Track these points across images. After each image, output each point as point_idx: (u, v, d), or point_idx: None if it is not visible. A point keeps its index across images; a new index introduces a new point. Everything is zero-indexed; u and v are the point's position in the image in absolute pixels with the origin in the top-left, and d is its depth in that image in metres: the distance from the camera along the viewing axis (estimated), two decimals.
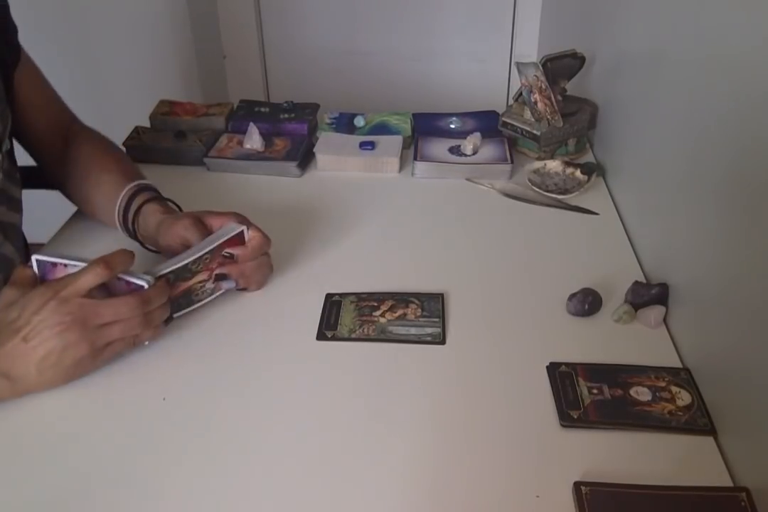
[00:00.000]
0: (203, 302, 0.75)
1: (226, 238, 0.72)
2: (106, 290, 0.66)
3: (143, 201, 0.81)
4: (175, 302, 0.71)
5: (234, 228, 0.73)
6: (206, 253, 0.71)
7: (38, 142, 0.89)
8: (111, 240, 0.83)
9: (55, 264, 0.66)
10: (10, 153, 0.83)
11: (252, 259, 0.75)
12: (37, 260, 0.67)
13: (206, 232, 0.74)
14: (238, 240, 0.74)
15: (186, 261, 0.69)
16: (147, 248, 0.82)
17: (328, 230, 0.91)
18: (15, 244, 0.83)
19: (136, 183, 0.83)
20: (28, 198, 0.88)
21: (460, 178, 1.03)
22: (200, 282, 0.73)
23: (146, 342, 0.68)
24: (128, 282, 0.66)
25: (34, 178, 0.91)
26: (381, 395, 0.65)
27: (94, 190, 0.86)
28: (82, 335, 0.62)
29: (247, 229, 0.74)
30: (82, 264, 0.64)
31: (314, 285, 0.79)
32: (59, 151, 0.90)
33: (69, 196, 0.92)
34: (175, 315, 0.72)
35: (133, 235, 0.83)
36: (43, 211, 1.09)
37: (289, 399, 0.65)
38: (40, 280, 0.66)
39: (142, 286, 0.66)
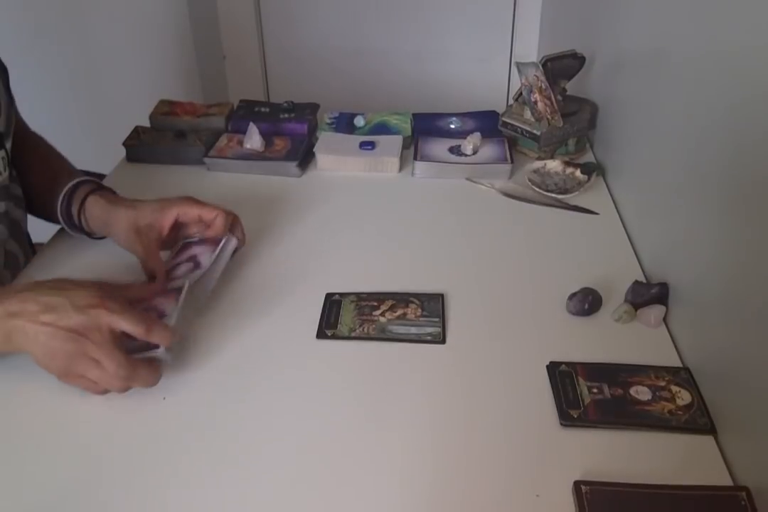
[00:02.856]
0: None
1: (225, 263, 0.78)
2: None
3: (91, 189, 0.82)
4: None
5: (230, 245, 0.78)
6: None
7: None
8: (110, 241, 0.82)
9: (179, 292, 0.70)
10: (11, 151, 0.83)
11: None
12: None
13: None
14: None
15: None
16: (93, 237, 0.84)
17: (328, 230, 0.91)
18: (19, 241, 0.83)
19: (81, 178, 0.83)
20: None
21: (460, 177, 1.03)
22: None
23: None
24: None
25: None
26: (381, 393, 0.65)
27: (40, 191, 0.86)
28: (73, 350, 0.59)
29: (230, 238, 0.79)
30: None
31: (314, 284, 0.79)
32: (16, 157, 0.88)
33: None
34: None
35: (74, 222, 0.82)
36: None
37: (289, 396, 0.65)
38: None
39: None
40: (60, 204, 0.82)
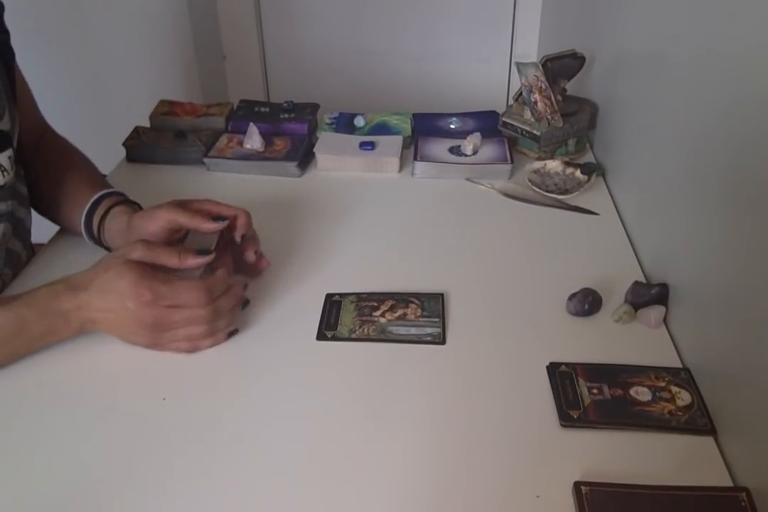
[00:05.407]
0: None
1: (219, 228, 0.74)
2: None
3: (112, 203, 0.80)
4: None
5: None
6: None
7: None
8: None
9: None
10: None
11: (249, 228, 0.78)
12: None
13: (190, 212, 0.74)
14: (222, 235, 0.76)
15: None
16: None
17: (328, 230, 0.91)
18: (22, 240, 0.83)
19: (105, 191, 0.82)
20: None
21: (460, 178, 1.03)
22: None
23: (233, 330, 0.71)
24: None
25: None
26: (381, 395, 0.65)
27: (60, 196, 0.85)
28: (151, 335, 0.67)
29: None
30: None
31: (314, 285, 0.79)
32: (30, 156, 0.88)
33: (34, 203, 0.89)
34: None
35: (96, 239, 0.81)
36: None
37: (289, 398, 0.65)
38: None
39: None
40: (84, 217, 0.81)
